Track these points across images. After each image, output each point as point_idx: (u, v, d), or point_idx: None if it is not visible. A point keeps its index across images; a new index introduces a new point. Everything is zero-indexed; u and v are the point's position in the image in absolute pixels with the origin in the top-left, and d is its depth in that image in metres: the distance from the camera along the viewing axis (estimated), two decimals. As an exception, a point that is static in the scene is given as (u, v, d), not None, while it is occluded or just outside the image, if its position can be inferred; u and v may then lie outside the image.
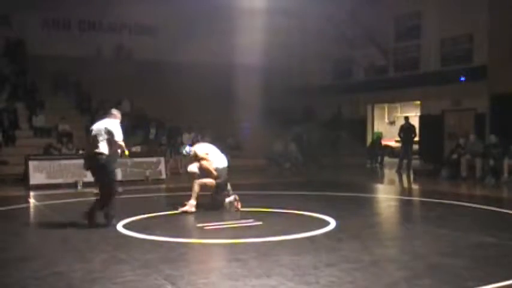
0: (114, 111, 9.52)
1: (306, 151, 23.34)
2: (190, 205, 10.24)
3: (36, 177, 16.37)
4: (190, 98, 23.05)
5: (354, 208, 11.20)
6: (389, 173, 20.52)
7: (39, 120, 21.28)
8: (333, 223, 8.99)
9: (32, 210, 12.27)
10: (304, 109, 26.66)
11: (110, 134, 8.99)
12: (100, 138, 8.92)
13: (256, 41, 23.59)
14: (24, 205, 12.60)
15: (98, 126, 9.13)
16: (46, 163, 16.90)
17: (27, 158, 16.77)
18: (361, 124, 26.27)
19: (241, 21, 23.06)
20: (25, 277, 5.96)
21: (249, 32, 23.25)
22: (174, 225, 9.23)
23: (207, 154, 10.80)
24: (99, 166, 8.92)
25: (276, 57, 26.16)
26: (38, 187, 15.65)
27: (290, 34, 25.93)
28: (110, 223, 8.85)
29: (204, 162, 10.65)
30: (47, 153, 18.70)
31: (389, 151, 25.55)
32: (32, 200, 13.33)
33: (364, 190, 14.72)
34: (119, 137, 9.09)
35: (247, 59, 23.80)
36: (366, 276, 5.97)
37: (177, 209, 10.30)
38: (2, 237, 8.49)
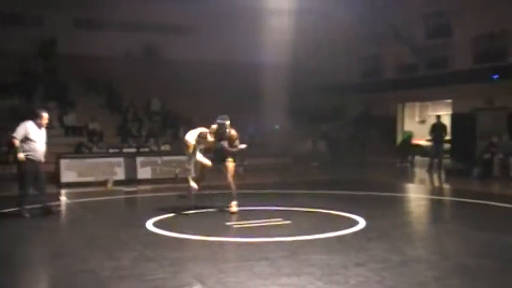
0: None
1: (334, 150, 23.21)
2: (235, 205, 10.24)
3: (68, 175, 16.60)
4: (219, 97, 23.10)
5: (384, 208, 11.10)
6: (420, 173, 20.30)
7: (70, 120, 21.54)
8: (362, 222, 8.93)
9: (63, 208, 12.44)
10: (333, 107, 26.51)
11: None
12: None
13: (284, 40, 23.52)
14: (55, 203, 12.77)
15: None
16: (77, 161, 17.13)
17: (59, 157, 17.00)
18: (391, 123, 26.02)
19: (268, 20, 23.03)
20: (56, 274, 6.05)
21: (276, 31, 23.20)
22: (203, 224, 9.26)
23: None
24: None
25: (304, 56, 26.05)
26: (69, 185, 15.86)
27: (318, 32, 25.80)
28: None
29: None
30: (78, 151, 18.95)
31: (420, 150, 25.24)
32: (63, 198, 13.52)
33: (394, 189, 14.58)
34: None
35: (274, 58, 23.72)
36: (395, 276, 5.91)
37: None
38: (33, 235, 8.63)
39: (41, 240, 8.19)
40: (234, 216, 9.59)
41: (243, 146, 10.49)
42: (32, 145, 10.08)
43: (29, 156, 10.08)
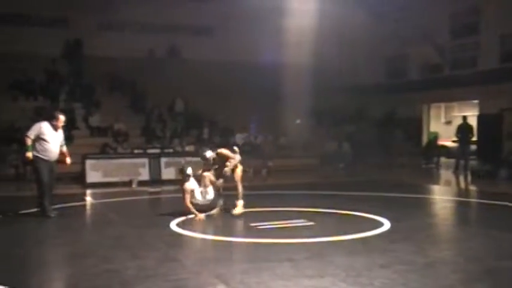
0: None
1: (359, 151, 23.09)
2: (241, 205, 10.19)
3: (93, 175, 16.73)
4: (242, 98, 23.14)
5: (409, 209, 10.99)
6: (446, 174, 20.08)
7: (95, 120, 21.73)
8: (386, 224, 8.85)
9: (88, 207, 12.55)
10: (357, 108, 26.36)
11: None
12: None
13: (307, 40, 23.46)
14: (80, 203, 12.89)
15: None
16: (102, 162, 17.26)
17: (84, 157, 17.15)
18: (416, 124, 25.81)
19: (291, 20, 22.96)
20: (80, 273, 6.09)
21: (299, 31, 23.12)
22: (227, 225, 9.26)
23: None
24: None
25: (327, 56, 25.96)
26: (94, 185, 15.98)
27: (341, 32, 25.71)
28: None
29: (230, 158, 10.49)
30: (103, 152, 19.11)
31: (446, 151, 24.97)
32: (88, 198, 13.64)
33: (419, 191, 14.43)
34: None
35: (297, 58, 23.68)
36: (420, 278, 5.84)
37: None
38: (59, 234, 8.71)
39: (66, 240, 8.25)
40: (259, 217, 9.56)
41: (237, 157, 10.37)
42: (46, 145, 10.16)
43: (42, 156, 10.16)
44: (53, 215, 10.05)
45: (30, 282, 5.57)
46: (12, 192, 15.62)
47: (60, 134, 10.46)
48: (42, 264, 6.54)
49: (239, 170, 10.33)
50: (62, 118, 10.44)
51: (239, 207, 10.05)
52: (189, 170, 10.28)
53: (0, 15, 24.36)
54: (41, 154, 10.14)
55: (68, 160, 10.62)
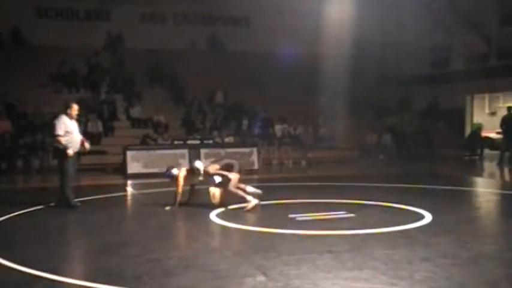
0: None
1: (401, 143, 22.81)
2: (250, 201, 10.06)
3: (134, 166, 16.94)
4: (283, 89, 23.05)
5: (451, 202, 10.80)
6: (490, 166, 19.66)
7: (136, 112, 21.97)
8: (428, 217, 8.72)
9: (129, 198, 12.71)
10: (399, 99, 26.02)
11: None
12: None
13: (348, 30, 23.21)
14: (122, 193, 13.07)
15: None
16: (143, 153, 17.44)
17: (125, 148, 17.37)
18: (460, 115, 25.32)
19: (332, 10, 22.73)
20: (123, 262, 6.17)
21: (340, 20, 22.89)
22: (266, 216, 9.26)
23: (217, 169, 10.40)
24: None
25: (369, 46, 25.66)
26: (135, 176, 16.17)
27: (384, 21, 25.36)
28: None
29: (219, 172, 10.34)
30: (144, 143, 19.32)
31: (490, 143, 24.46)
32: (129, 189, 13.82)
33: (462, 183, 14.18)
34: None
35: (339, 49, 23.48)
36: (463, 272, 5.73)
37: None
38: (101, 224, 8.84)
39: (109, 229, 8.38)
40: (298, 209, 9.53)
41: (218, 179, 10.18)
42: (71, 137, 10.28)
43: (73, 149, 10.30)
44: (78, 205, 10.19)
45: (76, 270, 5.67)
46: (55, 182, 15.92)
47: (75, 123, 10.48)
48: (86, 253, 6.65)
49: (234, 178, 10.12)
50: (75, 107, 10.48)
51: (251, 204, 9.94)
52: (199, 164, 10.32)
53: (45, 10, 24.85)
54: (67, 146, 10.26)
55: (87, 145, 10.62)
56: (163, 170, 10.70)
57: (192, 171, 10.25)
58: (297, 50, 24.15)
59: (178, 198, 9.97)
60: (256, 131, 22.04)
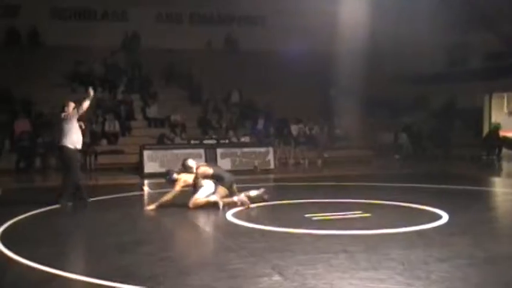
0: None
1: (417, 142, 22.68)
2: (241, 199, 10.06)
3: (150, 166, 17.03)
4: (298, 88, 23.03)
5: (468, 202, 10.72)
6: (508, 166, 19.50)
7: (153, 111, 22.07)
8: (444, 217, 8.67)
9: (146, 197, 12.77)
10: (415, 98, 25.84)
11: None
12: None
13: (362, 27, 23.07)
14: (138, 192, 13.14)
15: None
16: (159, 152, 17.53)
17: (142, 148, 17.47)
18: (477, 114, 25.10)
19: (346, 7, 22.60)
20: (139, 261, 6.21)
21: (354, 18, 22.75)
22: (282, 215, 9.26)
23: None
24: None
25: (384, 44, 25.49)
26: (151, 175, 16.24)
27: (399, 19, 25.17)
28: None
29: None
30: (161, 142, 19.40)
31: (508, 143, 24.22)
32: (146, 188, 13.88)
33: (479, 183, 14.07)
34: None
35: (354, 47, 23.33)
36: (480, 273, 5.70)
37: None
38: (118, 223, 8.90)
39: (125, 228, 8.43)
40: (314, 208, 9.52)
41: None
42: (76, 135, 10.35)
43: (74, 147, 10.35)
44: (69, 205, 10.19)
45: (92, 269, 5.72)
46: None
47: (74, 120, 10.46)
48: (103, 252, 6.70)
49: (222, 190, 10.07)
50: (71, 104, 10.47)
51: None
52: (191, 163, 10.32)
53: (62, 10, 25.02)
54: (72, 145, 10.31)
55: (91, 91, 10.51)
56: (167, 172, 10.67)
57: (185, 171, 10.23)
58: (311, 48, 24.04)
59: (164, 199, 9.86)
60: (272, 130, 22.06)
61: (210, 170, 10.25)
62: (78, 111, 10.38)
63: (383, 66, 25.25)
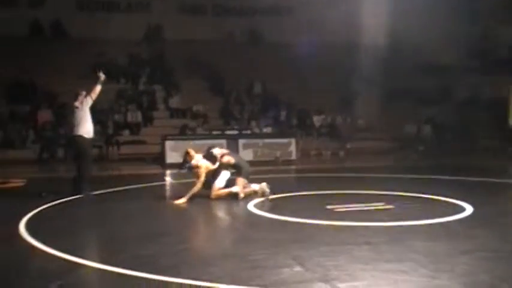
0: None
1: (441, 134, 22.44)
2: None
3: (172, 156, 17.05)
4: (320, 79, 22.92)
5: (492, 194, 10.59)
6: (533, 158, 19.22)
7: (175, 102, 22.13)
8: (468, 209, 8.56)
9: (167, 187, 12.82)
10: (438, 89, 25.54)
11: None
12: None
13: (384, 18, 22.84)
14: (160, 183, 13.20)
15: None
16: (181, 143, 17.54)
17: (164, 138, 17.52)
18: (503, 105, 24.74)
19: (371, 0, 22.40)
20: (160, 251, 6.22)
21: (376, 9, 22.52)
22: (304, 206, 9.23)
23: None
24: None
25: (407, 34, 25.19)
26: (173, 166, 16.27)
27: (422, 8, 24.85)
28: None
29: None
30: (183, 133, 19.46)
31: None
32: (167, 178, 13.92)
33: (505, 176, 13.89)
34: None
35: (377, 38, 23.16)
36: (505, 266, 5.60)
37: None
38: (140, 213, 8.95)
39: (146, 219, 8.47)
40: (336, 200, 9.47)
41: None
42: (89, 125, 10.36)
43: (88, 136, 10.38)
44: (92, 196, 10.21)
45: (114, 258, 5.74)
46: (95, 171, 16.15)
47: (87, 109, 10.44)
48: (124, 242, 6.73)
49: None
50: (83, 93, 10.43)
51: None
52: (217, 151, 10.27)
53: (86, 2, 25.17)
54: (87, 134, 10.33)
55: (102, 76, 10.53)
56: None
57: (209, 158, 10.19)
58: (333, 39, 23.87)
59: (193, 191, 9.71)
60: (294, 121, 22.01)
61: (232, 160, 10.24)
62: (91, 97, 10.36)
63: (406, 57, 24.99)
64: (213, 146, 10.70)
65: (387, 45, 23.73)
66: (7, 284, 5.07)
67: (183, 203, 9.53)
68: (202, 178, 9.84)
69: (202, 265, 5.63)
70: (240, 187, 9.85)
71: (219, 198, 9.74)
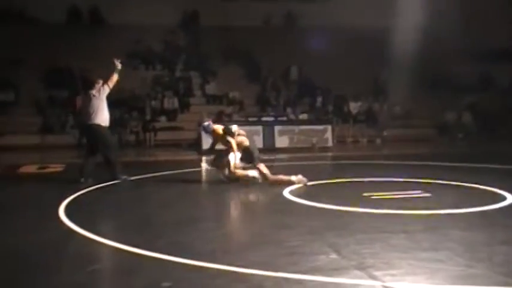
0: None
1: (482, 121, 22.04)
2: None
3: (208, 142, 16.97)
4: (357, 65, 22.70)
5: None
6: None
7: (211, 88, 22.20)
8: (509, 198, 8.40)
9: (203, 173, 12.89)
10: (480, 76, 25.05)
11: None
12: None
13: (426, 3, 22.41)
14: (196, 169, 13.28)
15: None
16: (217, 130, 17.59)
17: (200, 125, 17.55)
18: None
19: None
20: (197, 236, 6.27)
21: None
22: (340, 194, 9.19)
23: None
24: None
25: (446, 19, 24.69)
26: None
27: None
28: None
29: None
30: (219, 119, 19.50)
31: None
32: (203, 164, 14.01)
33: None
34: None
35: (417, 23, 22.72)
36: (546, 256, 5.49)
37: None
38: (176, 198, 9.02)
39: (183, 204, 8.54)
40: (373, 187, 9.40)
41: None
42: (107, 112, 10.40)
43: (106, 125, 10.38)
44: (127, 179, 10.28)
45: (151, 243, 5.80)
46: (133, 157, 16.38)
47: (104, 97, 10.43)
48: (161, 227, 6.80)
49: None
50: (100, 81, 10.44)
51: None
52: (235, 127, 10.23)
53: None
54: (104, 122, 10.34)
55: (118, 64, 10.57)
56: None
57: (226, 132, 10.17)
58: (372, 24, 23.53)
59: (234, 163, 9.89)
60: (330, 108, 21.87)
61: (246, 142, 10.25)
62: (108, 86, 10.40)
63: (446, 42, 24.53)
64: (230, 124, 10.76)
65: (428, 29, 23.28)
66: (47, 266, 5.17)
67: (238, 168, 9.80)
68: (235, 147, 9.97)
69: (238, 251, 5.65)
70: (263, 171, 9.88)
71: (236, 176, 9.84)
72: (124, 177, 10.33)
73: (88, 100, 10.32)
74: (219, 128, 10.46)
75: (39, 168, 13.52)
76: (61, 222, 6.97)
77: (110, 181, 10.22)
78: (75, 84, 20.96)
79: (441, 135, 21.24)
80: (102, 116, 10.27)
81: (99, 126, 10.25)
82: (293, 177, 9.85)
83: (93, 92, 10.36)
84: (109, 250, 5.69)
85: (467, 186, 9.65)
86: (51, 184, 10.67)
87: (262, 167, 10.01)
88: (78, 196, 8.92)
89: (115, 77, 10.46)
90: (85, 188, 9.55)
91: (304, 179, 9.79)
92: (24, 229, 6.74)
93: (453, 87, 23.71)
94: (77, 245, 6.07)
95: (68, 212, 7.55)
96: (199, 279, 4.75)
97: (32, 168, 13.39)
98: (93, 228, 6.47)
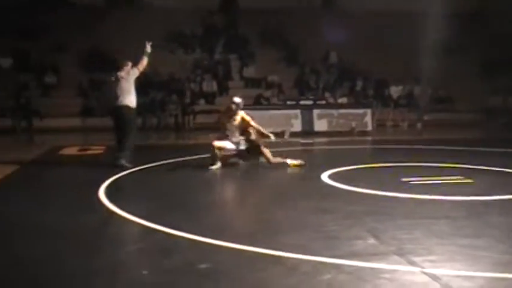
0: None
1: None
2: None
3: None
4: (399, 48, 22.30)
5: None
6: None
7: (250, 71, 22.16)
8: (554, 185, 8.18)
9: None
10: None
11: None
12: None
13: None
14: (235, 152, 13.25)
15: None
16: (256, 113, 17.50)
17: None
18: None
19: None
20: (235, 219, 6.30)
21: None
22: (379, 178, 9.08)
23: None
24: None
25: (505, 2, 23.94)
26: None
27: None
28: None
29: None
30: (257, 103, 19.49)
31: None
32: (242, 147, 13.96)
33: None
34: None
35: (468, 6, 22.10)
36: None
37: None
38: (214, 182, 9.08)
39: (221, 187, 8.58)
40: (412, 172, 9.27)
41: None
42: (135, 95, 10.36)
43: (135, 106, 10.33)
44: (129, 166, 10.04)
45: (189, 225, 5.83)
46: (172, 140, 16.49)
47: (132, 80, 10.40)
48: (199, 209, 6.82)
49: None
50: (129, 64, 10.41)
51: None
52: (238, 99, 10.24)
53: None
54: (131, 104, 10.28)
55: (148, 48, 10.60)
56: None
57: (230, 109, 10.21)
58: (414, 7, 23.03)
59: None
60: (371, 92, 21.61)
61: (252, 122, 10.28)
62: (138, 69, 10.38)
63: (498, 25, 23.80)
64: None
65: (477, 12, 22.66)
66: (87, 246, 5.25)
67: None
68: (254, 124, 10.26)
69: (276, 234, 5.64)
70: (267, 155, 10.07)
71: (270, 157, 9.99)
72: (126, 164, 10.02)
73: (116, 82, 10.31)
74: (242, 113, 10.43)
75: (80, 150, 13.73)
76: (101, 203, 7.07)
77: (151, 162, 10.29)
78: (115, 68, 21.14)
79: (484, 120, 20.78)
80: (130, 98, 10.24)
81: (127, 107, 10.21)
82: (288, 161, 10.04)
83: (122, 74, 10.35)
84: (147, 231, 5.74)
85: (509, 173, 9.43)
86: (91, 166, 10.82)
87: (266, 151, 10.11)
88: (118, 178, 9.03)
89: (145, 61, 10.46)
90: (125, 170, 9.65)
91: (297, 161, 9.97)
92: (65, 210, 6.85)
93: (500, 71, 22.97)
94: (116, 225, 6.15)
95: (108, 193, 7.65)
96: (236, 261, 4.76)
97: (73, 150, 13.60)
98: (131, 209, 6.53)
